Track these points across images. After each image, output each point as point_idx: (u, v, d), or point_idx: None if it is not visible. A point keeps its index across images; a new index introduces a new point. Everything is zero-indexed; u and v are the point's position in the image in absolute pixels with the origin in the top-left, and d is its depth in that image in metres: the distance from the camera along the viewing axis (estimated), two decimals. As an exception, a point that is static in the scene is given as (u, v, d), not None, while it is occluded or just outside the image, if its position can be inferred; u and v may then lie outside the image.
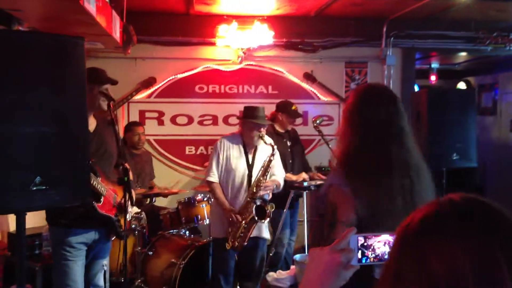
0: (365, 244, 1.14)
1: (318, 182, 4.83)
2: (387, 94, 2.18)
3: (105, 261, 3.29)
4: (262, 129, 4.01)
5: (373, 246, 1.15)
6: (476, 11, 5.48)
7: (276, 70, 6.15)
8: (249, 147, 4.09)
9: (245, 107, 4.20)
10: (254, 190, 3.91)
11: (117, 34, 4.47)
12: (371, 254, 1.15)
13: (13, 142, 2.05)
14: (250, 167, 4.05)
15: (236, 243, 3.90)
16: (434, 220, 0.81)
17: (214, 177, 4.06)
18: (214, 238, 4.19)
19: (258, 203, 3.93)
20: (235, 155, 4.05)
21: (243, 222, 3.88)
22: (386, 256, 1.16)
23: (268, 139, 4.05)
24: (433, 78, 7.88)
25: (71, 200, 2.30)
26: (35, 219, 3.86)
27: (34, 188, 2.10)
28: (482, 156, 6.91)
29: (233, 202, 4.02)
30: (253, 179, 4.02)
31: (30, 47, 2.14)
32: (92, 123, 3.14)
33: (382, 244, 1.16)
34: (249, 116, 4.04)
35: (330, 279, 1.08)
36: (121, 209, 3.17)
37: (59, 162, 2.19)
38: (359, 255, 1.14)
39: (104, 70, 3.18)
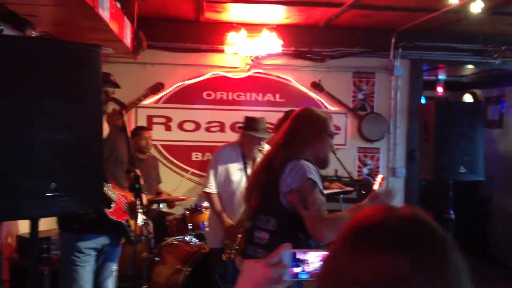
0: (303, 259, 1.17)
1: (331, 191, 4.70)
2: None
3: (115, 266, 3.30)
4: (262, 142, 3.98)
5: (310, 261, 1.18)
6: (486, 25, 5.49)
7: (283, 78, 6.17)
8: (248, 158, 4.05)
9: (246, 118, 4.13)
10: None
11: (128, 40, 4.51)
12: (309, 269, 1.17)
13: (30, 149, 2.06)
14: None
15: (233, 255, 3.81)
16: (374, 231, 0.82)
17: (212, 188, 4.02)
18: (211, 248, 4.15)
19: None
20: (234, 167, 4.00)
21: (240, 235, 3.78)
22: None
23: None
24: (440, 89, 7.88)
25: (84, 206, 2.31)
26: (44, 223, 3.86)
27: (49, 195, 2.11)
28: (489, 169, 6.89)
29: (231, 213, 3.96)
30: None
31: (47, 55, 2.16)
32: (104, 129, 3.15)
33: (318, 259, 1.18)
34: (250, 128, 3.98)
35: None
36: (132, 214, 3.18)
37: (73, 169, 2.20)
38: (298, 270, 1.16)
39: (109, 73, 3.18)
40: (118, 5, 4.13)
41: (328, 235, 2.29)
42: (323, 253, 1.17)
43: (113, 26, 3.71)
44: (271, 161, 2.58)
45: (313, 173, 2.46)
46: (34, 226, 2.20)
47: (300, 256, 1.17)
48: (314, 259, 1.17)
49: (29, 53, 2.11)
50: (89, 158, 2.30)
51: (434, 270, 0.78)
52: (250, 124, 4.02)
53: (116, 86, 3.17)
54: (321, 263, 0.91)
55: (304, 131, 2.60)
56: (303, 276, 1.17)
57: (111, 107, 3.09)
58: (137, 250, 3.15)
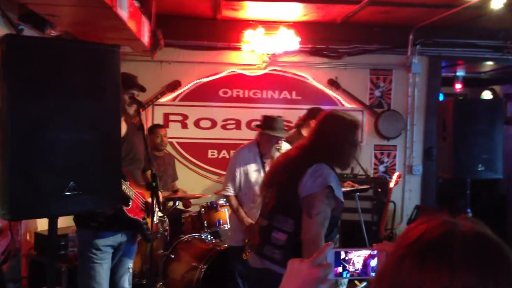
0: (346, 258, 1.18)
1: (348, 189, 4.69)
2: None
3: (131, 263, 3.33)
4: (280, 141, 3.96)
5: (353, 261, 1.19)
6: (506, 21, 5.41)
7: (300, 75, 6.15)
8: (266, 158, 4.03)
9: (264, 117, 4.08)
10: None
11: (145, 38, 4.53)
12: (351, 268, 1.19)
13: (51, 148, 2.09)
14: None
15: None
16: (441, 246, 0.85)
17: (229, 191, 4.00)
18: (230, 246, 4.16)
19: None
20: (252, 167, 3.97)
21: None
22: (369, 270, 1.20)
23: None
24: (458, 86, 7.78)
25: (103, 205, 2.34)
26: (62, 220, 3.91)
27: (68, 193, 2.14)
28: (507, 167, 6.79)
29: (249, 212, 3.95)
30: None
31: (69, 55, 2.18)
32: (122, 128, 3.18)
33: (361, 258, 1.19)
34: (268, 127, 3.94)
35: None
36: (149, 211, 3.21)
37: (92, 168, 2.23)
38: (340, 269, 1.18)
39: (135, 76, 3.22)
40: (137, 3, 4.16)
41: (310, 253, 2.31)
42: (365, 253, 1.20)
43: (131, 25, 3.73)
44: (294, 163, 2.56)
45: (333, 179, 2.44)
46: (52, 224, 2.24)
47: (343, 255, 1.18)
48: (356, 259, 1.19)
49: (53, 54, 2.13)
50: (108, 157, 2.33)
51: (502, 285, 0.80)
52: (268, 123, 3.99)
53: (143, 89, 3.20)
54: (379, 273, 0.94)
55: (334, 138, 2.54)
56: (345, 275, 1.19)
57: (133, 108, 3.12)
58: (153, 247, 3.17)
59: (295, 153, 2.63)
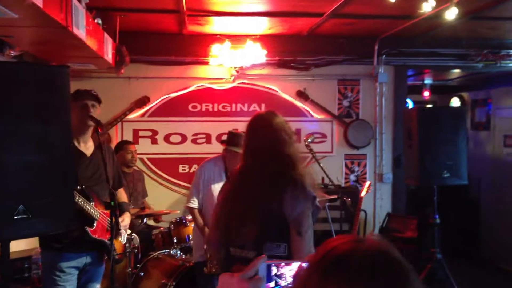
0: (278, 273, 1.16)
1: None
2: None
3: (98, 285, 3.29)
4: None
5: (285, 275, 1.17)
6: (467, 29, 5.54)
7: (269, 88, 6.19)
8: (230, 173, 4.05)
9: (229, 133, 4.09)
10: None
11: (109, 55, 4.52)
12: (283, 283, 1.17)
13: (1, 171, 2.07)
14: None
15: (214, 269, 3.63)
16: (342, 262, 0.88)
17: (194, 204, 4.03)
18: (195, 262, 4.15)
19: None
20: (217, 181, 3.97)
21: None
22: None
23: None
24: (426, 94, 7.92)
25: (55, 228, 2.32)
26: (25, 242, 3.86)
27: (18, 217, 2.12)
28: (476, 171, 6.93)
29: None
30: None
31: (16, 77, 2.17)
32: (90, 147, 3.17)
33: (293, 272, 1.18)
34: (233, 144, 3.91)
35: None
36: (115, 232, 3.18)
37: (42, 191, 2.21)
38: (272, 284, 1.16)
39: (89, 90, 3.18)
40: (99, 21, 4.16)
41: None
42: (296, 267, 1.18)
43: (91, 43, 3.73)
44: (264, 186, 2.42)
45: (312, 187, 2.41)
46: (4, 248, 2.21)
47: (275, 269, 1.16)
48: (288, 273, 1.17)
49: (2, 77, 2.13)
50: (59, 178, 2.32)
51: None
52: (233, 139, 3.97)
53: (97, 100, 3.14)
54: (292, 285, 0.96)
55: (285, 142, 2.46)
56: None
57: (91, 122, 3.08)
58: (113, 268, 3.12)
59: (261, 170, 2.44)
